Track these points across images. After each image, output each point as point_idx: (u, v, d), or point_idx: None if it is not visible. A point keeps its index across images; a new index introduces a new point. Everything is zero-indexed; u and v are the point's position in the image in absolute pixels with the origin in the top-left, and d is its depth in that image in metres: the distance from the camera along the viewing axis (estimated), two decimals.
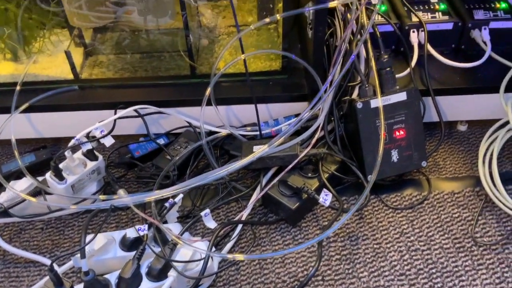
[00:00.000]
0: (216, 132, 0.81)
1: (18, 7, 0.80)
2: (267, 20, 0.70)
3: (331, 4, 0.68)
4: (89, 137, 0.72)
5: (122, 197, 0.69)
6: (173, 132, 0.84)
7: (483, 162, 0.77)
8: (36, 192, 0.72)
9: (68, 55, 0.78)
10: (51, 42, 0.86)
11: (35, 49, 0.85)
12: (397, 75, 0.78)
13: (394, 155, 0.75)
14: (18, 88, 0.78)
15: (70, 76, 0.81)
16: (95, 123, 0.74)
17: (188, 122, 0.81)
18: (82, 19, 0.79)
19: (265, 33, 0.91)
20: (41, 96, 0.79)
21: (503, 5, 0.85)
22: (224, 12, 0.93)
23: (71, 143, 0.70)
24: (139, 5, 0.84)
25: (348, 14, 0.81)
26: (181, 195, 0.69)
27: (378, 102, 0.72)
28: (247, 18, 0.93)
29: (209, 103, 0.76)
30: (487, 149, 0.78)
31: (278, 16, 0.71)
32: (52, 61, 0.84)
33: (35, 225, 0.75)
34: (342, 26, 0.81)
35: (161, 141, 0.83)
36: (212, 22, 0.91)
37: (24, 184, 0.73)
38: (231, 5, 0.72)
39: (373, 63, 0.75)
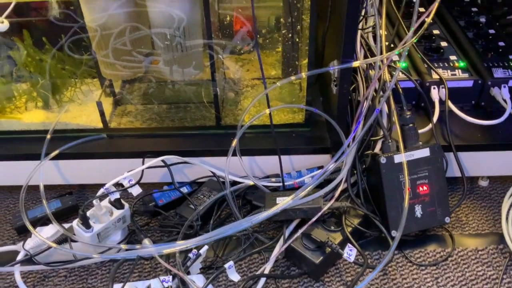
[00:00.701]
0: (240, 183, 0.82)
1: (52, 57, 0.84)
2: (293, 78, 0.73)
3: (354, 64, 0.71)
4: (118, 187, 0.73)
5: (147, 247, 0.70)
6: (197, 181, 0.86)
7: (506, 219, 0.77)
8: (62, 240, 0.73)
9: (99, 106, 0.81)
10: (81, 91, 0.89)
11: (66, 98, 0.88)
12: (419, 131, 0.80)
13: (418, 211, 0.75)
14: (48, 136, 0.80)
15: (99, 124, 0.84)
16: (122, 171, 0.76)
17: (212, 172, 0.83)
18: (114, 71, 0.82)
19: (288, 86, 0.94)
20: (71, 144, 0.81)
21: None
22: (248, 65, 0.96)
23: (99, 192, 0.72)
24: (165, 56, 0.87)
25: (370, 71, 0.84)
26: (206, 247, 0.69)
27: (401, 157, 0.73)
28: (270, 71, 0.96)
29: (233, 154, 0.77)
30: (510, 206, 0.78)
31: (303, 75, 0.73)
32: (82, 110, 0.87)
33: (58, 273, 0.75)
34: (364, 81, 0.83)
35: (185, 190, 0.84)
36: (236, 75, 0.94)
37: (50, 230, 0.74)
38: (258, 60, 0.74)
39: (395, 118, 0.77)
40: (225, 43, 0.90)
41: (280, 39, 0.88)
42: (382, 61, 0.77)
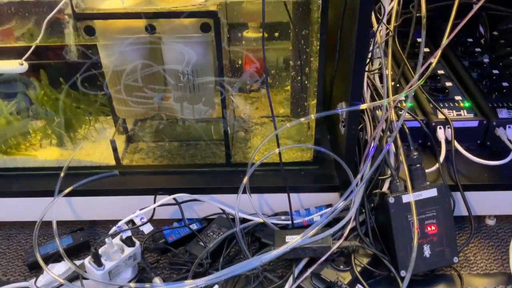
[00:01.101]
0: (249, 220, 0.83)
1: (68, 96, 0.87)
2: (302, 119, 0.75)
3: (362, 106, 0.73)
4: (129, 224, 0.75)
5: (157, 286, 0.70)
6: (207, 218, 0.87)
7: None
8: (73, 277, 0.73)
9: (113, 144, 0.83)
10: (95, 129, 0.91)
11: (80, 136, 0.90)
12: (426, 170, 0.81)
13: (426, 251, 0.75)
14: (62, 174, 0.82)
15: (112, 162, 0.86)
16: (133, 208, 0.77)
17: (221, 209, 0.84)
18: (129, 111, 0.85)
19: (297, 124, 0.95)
20: (84, 181, 0.83)
21: None
22: (257, 103, 0.99)
23: (112, 231, 0.73)
24: (176, 93, 0.90)
25: (377, 111, 0.86)
26: (216, 286, 0.70)
27: (409, 197, 0.74)
28: (278, 110, 0.98)
29: (243, 191, 0.79)
30: None
31: (312, 116, 0.75)
32: (96, 147, 0.89)
33: None
34: (371, 121, 0.85)
35: (194, 227, 0.85)
36: (246, 113, 0.96)
37: (62, 267, 0.75)
38: (268, 99, 0.76)
39: (403, 159, 0.78)
40: (235, 80, 0.92)
41: (288, 79, 0.91)
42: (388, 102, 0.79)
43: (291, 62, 0.86)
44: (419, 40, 1.13)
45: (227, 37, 0.90)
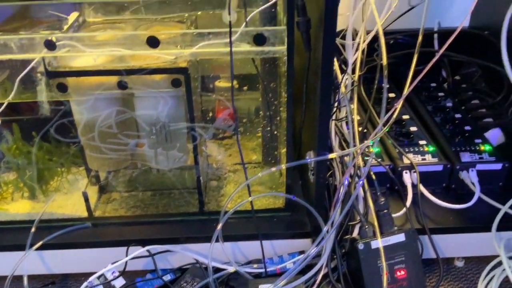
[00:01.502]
0: (223, 269, 0.83)
1: (40, 149, 0.87)
2: (273, 169, 0.77)
3: (331, 155, 0.75)
4: (101, 279, 0.74)
5: None
6: (181, 268, 0.87)
7: None
8: None
9: (85, 196, 0.83)
10: (67, 180, 0.91)
11: (52, 188, 0.90)
12: (394, 215, 0.83)
13: None
14: (33, 229, 0.81)
15: (85, 213, 0.86)
16: (106, 260, 0.77)
17: (195, 259, 0.84)
18: (101, 163, 0.85)
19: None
20: (55, 234, 0.82)
21: (487, 147, 0.93)
22: (230, 150, 1.01)
23: (83, 286, 0.72)
24: (150, 140, 0.91)
25: (345, 157, 0.89)
26: None
27: (378, 243, 0.76)
28: (251, 156, 1.00)
29: (216, 240, 0.79)
30: (486, 287, 0.81)
31: (283, 166, 0.77)
32: (68, 199, 0.89)
33: None
34: (339, 168, 0.88)
35: (168, 277, 0.85)
36: (219, 160, 0.98)
37: None
38: (239, 150, 0.78)
39: (371, 205, 0.80)
40: (209, 126, 0.95)
41: (260, 126, 0.93)
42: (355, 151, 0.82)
43: (261, 112, 0.89)
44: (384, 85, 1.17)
45: (200, 88, 0.93)
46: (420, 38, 0.94)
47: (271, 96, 0.83)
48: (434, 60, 0.76)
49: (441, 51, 0.73)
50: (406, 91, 0.77)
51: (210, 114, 0.96)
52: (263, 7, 0.69)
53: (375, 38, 1.18)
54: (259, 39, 0.71)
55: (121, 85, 0.75)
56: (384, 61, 0.85)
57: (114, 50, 0.72)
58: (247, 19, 0.71)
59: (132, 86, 0.76)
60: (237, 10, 0.71)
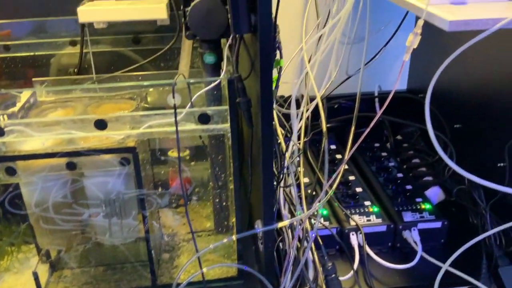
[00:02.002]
0: None
1: None
2: (225, 240, 0.79)
3: (280, 224, 0.79)
4: None
5: None
6: None
7: None
8: None
9: (35, 276, 0.82)
10: (18, 260, 0.90)
11: (1, 268, 0.89)
12: (343, 277, 0.86)
13: None
14: None
15: None
16: None
17: None
18: (52, 241, 0.85)
19: (221, 238, 0.99)
20: None
21: (428, 206, 0.99)
22: (184, 219, 1.02)
23: None
24: (104, 209, 0.92)
25: (294, 222, 0.92)
26: None
27: None
28: (205, 224, 1.02)
29: None
30: None
31: (234, 237, 0.80)
32: (18, 278, 0.88)
33: None
34: (288, 233, 0.91)
35: None
36: (173, 230, 0.99)
37: None
38: (189, 226, 0.81)
39: (319, 270, 0.83)
40: (164, 192, 0.97)
41: (211, 196, 0.96)
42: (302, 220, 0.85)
43: (211, 183, 0.92)
44: (332, 147, 1.24)
45: (151, 160, 0.95)
46: (357, 104, 1.01)
47: (220, 167, 0.87)
48: (372, 123, 0.80)
49: (378, 115, 0.79)
50: (347, 155, 0.82)
51: (163, 182, 0.99)
52: (204, 89, 0.74)
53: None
54: (203, 118, 0.75)
55: (70, 166, 0.77)
56: (324, 127, 0.91)
57: (63, 133, 0.74)
58: (192, 100, 0.76)
59: (82, 166, 0.78)
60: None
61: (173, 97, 0.70)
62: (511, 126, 0.86)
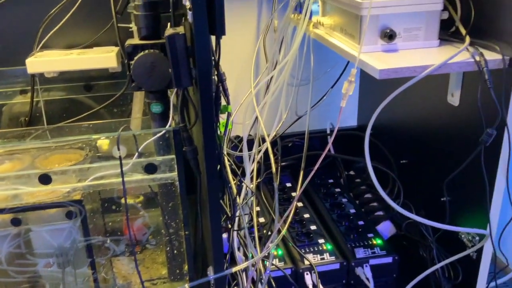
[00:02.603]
0: None
1: None
2: None
3: (234, 269, 0.79)
4: None
5: None
6: None
7: None
8: None
9: None
10: None
11: None
12: None
13: None
14: None
15: None
16: None
17: None
18: None
19: (176, 286, 0.99)
20: None
21: (379, 241, 1.01)
22: (140, 266, 1.01)
23: None
24: (56, 260, 0.90)
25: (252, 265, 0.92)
26: None
27: None
28: (161, 271, 1.01)
29: None
30: None
31: (186, 286, 0.79)
32: None
33: None
34: (244, 277, 0.91)
35: None
36: (127, 279, 0.98)
37: None
38: (137, 271, 0.80)
39: None
40: (118, 238, 0.96)
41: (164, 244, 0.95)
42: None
43: (162, 230, 0.92)
44: (288, 185, 1.26)
45: (101, 210, 0.95)
46: (306, 142, 1.04)
47: (171, 215, 0.87)
48: (320, 160, 0.82)
49: (324, 152, 0.81)
50: (298, 192, 0.84)
51: (117, 230, 0.98)
52: (150, 140, 0.75)
53: (275, 143, 1.29)
54: (150, 168, 0.76)
55: (15, 222, 0.75)
56: (273, 168, 0.93)
57: (7, 188, 0.73)
58: (139, 150, 0.77)
59: (28, 221, 0.77)
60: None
61: (118, 149, 0.71)
62: (448, 162, 0.90)
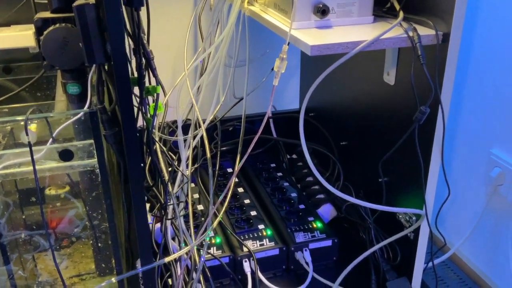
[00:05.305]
0: None
1: None
2: (103, 284, 0.73)
3: (167, 259, 0.74)
4: None
5: None
6: None
7: None
8: None
9: None
10: None
11: None
12: None
13: None
14: None
15: None
16: None
17: None
18: None
19: (105, 280, 0.93)
20: None
21: (319, 224, 0.99)
22: (68, 261, 0.94)
23: None
24: None
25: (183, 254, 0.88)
26: None
27: None
28: (91, 265, 0.94)
29: None
30: None
31: (113, 279, 0.73)
32: None
33: None
34: (177, 267, 0.86)
35: None
36: (51, 276, 0.91)
37: None
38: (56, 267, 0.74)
39: None
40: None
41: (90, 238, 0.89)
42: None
43: (87, 222, 0.85)
44: (229, 170, 1.21)
45: (20, 202, 0.87)
46: (242, 126, 1.00)
47: (95, 206, 0.81)
48: (254, 141, 0.78)
49: (257, 135, 0.77)
50: (234, 173, 0.80)
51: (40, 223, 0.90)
52: (65, 124, 0.68)
53: (214, 127, 1.24)
54: (65, 155, 0.69)
55: None
56: (208, 153, 0.89)
57: None
58: (54, 135, 0.70)
59: None
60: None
61: (26, 134, 0.64)
62: (385, 143, 0.89)
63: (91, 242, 0.95)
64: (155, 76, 0.75)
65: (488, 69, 0.96)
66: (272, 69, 1.24)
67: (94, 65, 0.69)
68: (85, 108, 0.70)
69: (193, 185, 1.15)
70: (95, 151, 0.70)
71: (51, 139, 0.69)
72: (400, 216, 0.89)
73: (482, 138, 0.99)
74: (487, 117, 0.98)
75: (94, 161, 0.70)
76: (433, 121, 0.76)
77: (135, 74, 0.71)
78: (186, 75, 0.94)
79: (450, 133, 1.08)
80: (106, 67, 0.71)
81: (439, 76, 0.73)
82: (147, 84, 0.74)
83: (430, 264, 0.91)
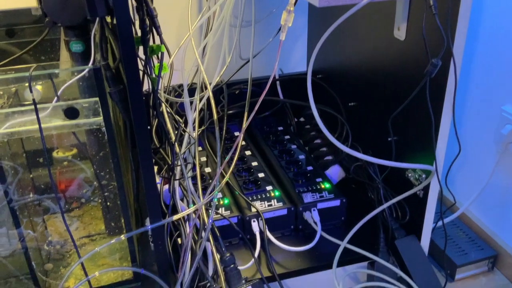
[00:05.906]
0: None
1: None
2: (113, 241, 0.73)
3: (175, 217, 0.74)
4: None
5: None
6: None
7: None
8: None
9: None
10: None
11: None
12: (243, 267, 0.84)
13: None
14: None
15: None
16: None
17: None
18: None
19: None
20: None
21: (327, 185, 0.98)
22: (78, 223, 0.95)
23: None
24: None
25: (193, 214, 0.88)
26: None
27: None
28: (100, 226, 0.95)
29: None
30: None
31: (122, 237, 0.74)
32: None
33: None
34: (186, 226, 0.87)
35: None
36: (62, 237, 0.92)
37: None
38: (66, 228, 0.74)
39: (217, 262, 0.80)
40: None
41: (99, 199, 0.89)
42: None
43: (96, 184, 0.85)
44: (236, 134, 1.21)
45: (27, 163, 0.87)
46: (249, 89, 0.98)
47: (103, 166, 0.81)
48: (258, 104, 0.76)
49: (261, 97, 0.75)
50: (241, 134, 0.79)
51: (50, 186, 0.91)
52: (70, 82, 0.67)
53: (221, 91, 1.22)
54: (70, 113, 0.68)
55: None
56: (215, 115, 0.88)
57: None
58: (59, 93, 0.69)
59: None
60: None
61: (30, 91, 0.63)
62: (395, 101, 0.87)
63: (101, 203, 0.96)
64: (159, 34, 0.74)
65: (503, 23, 0.93)
66: (280, 29, 1.22)
67: (96, 21, 0.68)
68: (89, 65, 0.68)
69: (200, 148, 1.14)
70: (100, 109, 0.69)
71: (56, 98, 0.68)
72: (410, 174, 0.88)
73: (493, 94, 0.97)
74: (499, 73, 0.95)
75: (100, 119, 0.70)
76: (445, 75, 0.74)
77: (139, 34, 0.70)
78: (191, 34, 0.92)
79: (461, 89, 1.05)
80: (109, 25, 0.70)
81: (451, 28, 0.71)
82: (151, 43, 0.73)
83: (439, 223, 0.91)
